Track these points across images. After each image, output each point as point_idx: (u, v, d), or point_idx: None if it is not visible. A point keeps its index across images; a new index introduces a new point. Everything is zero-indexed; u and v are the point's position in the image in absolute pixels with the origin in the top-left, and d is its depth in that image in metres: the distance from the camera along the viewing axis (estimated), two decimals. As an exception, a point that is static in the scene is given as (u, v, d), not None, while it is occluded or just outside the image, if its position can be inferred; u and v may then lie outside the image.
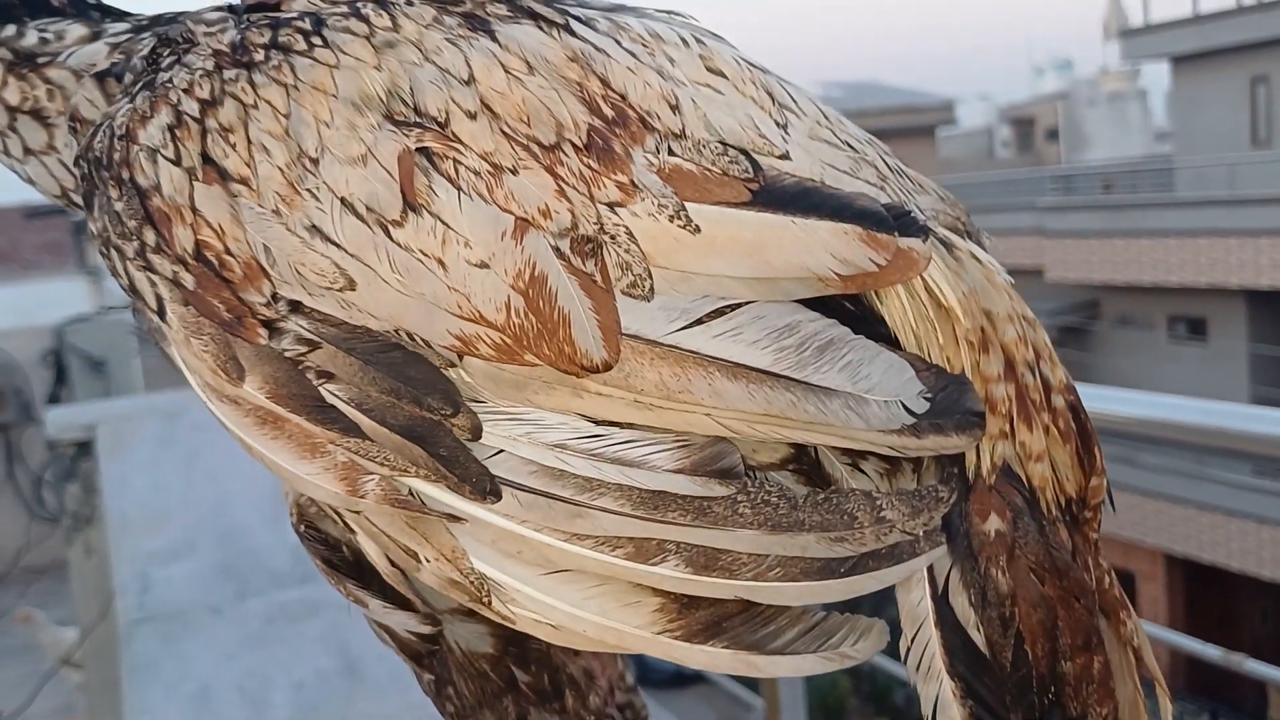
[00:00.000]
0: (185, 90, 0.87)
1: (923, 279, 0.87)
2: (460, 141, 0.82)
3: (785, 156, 0.87)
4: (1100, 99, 28.67)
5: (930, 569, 0.87)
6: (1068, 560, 0.89)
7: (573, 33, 0.88)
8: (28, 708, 3.79)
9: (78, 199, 1.08)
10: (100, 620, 3.62)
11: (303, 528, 0.98)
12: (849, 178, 0.89)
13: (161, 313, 0.85)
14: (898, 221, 0.85)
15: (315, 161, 0.82)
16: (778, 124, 0.89)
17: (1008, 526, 0.88)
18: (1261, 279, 17.09)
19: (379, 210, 0.81)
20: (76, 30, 1.08)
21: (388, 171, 0.81)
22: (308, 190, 0.82)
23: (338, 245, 0.81)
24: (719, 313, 0.82)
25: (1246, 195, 17.51)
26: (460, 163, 0.81)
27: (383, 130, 0.82)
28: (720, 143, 0.86)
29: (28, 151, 1.09)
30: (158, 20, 1.07)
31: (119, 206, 0.86)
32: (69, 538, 4.38)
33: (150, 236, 0.84)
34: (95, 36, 1.07)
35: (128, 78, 0.96)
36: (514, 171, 0.82)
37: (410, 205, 0.81)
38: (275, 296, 0.82)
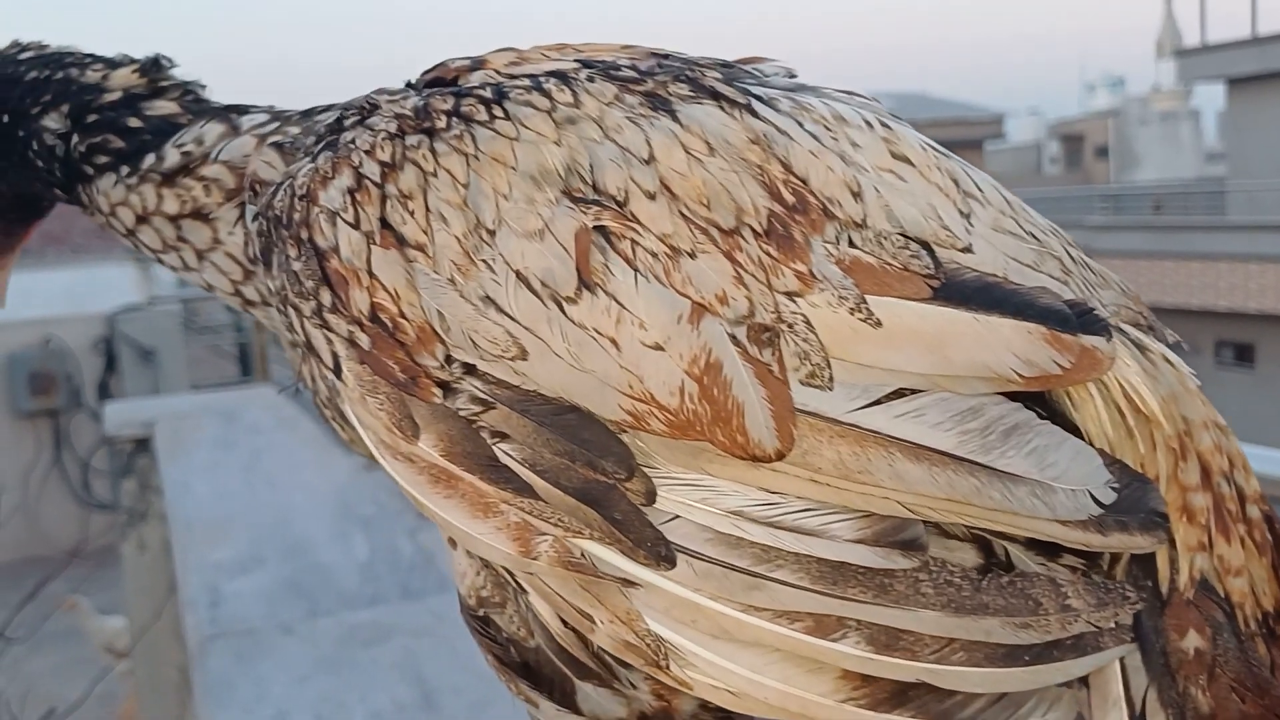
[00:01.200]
0: (367, 152, 0.88)
1: (1119, 382, 0.85)
2: (638, 222, 0.82)
3: (968, 249, 0.85)
4: (1152, 118, 28.42)
5: (1127, 689, 0.84)
6: (1268, 677, 0.86)
7: (755, 114, 0.87)
8: (80, 705, 3.82)
9: (248, 292, 1.10)
10: (155, 619, 3.65)
11: (477, 615, 0.97)
12: (1033, 271, 0.86)
13: (338, 370, 0.86)
14: (1081, 320, 0.82)
15: (492, 233, 0.83)
16: (961, 213, 0.87)
17: (1207, 644, 0.85)
18: (1312, 306, 16.85)
19: (554, 286, 0.81)
20: (214, 129, 1.10)
21: (564, 248, 0.81)
22: (483, 261, 0.82)
23: (511, 317, 0.81)
24: (900, 393, 0.81)
25: (1300, 221, 17.27)
26: (638, 243, 0.81)
27: (560, 206, 0.82)
28: (902, 235, 0.84)
29: (200, 256, 1.10)
30: (309, 112, 1.08)
31: (297, 266, 0.87)
32: (123, 532, 4.42)
33: (327, 297, 0.86)
34: (235, 130, 1.09)
35: (309, 140, 0.97)
36: (692, 255, 0.81)
37: (585, 283, 0.81)
38: (449, 359, 0.83)
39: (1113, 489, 0.81)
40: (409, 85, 0.98)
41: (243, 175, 1.06)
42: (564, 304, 0.80)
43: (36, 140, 1.16)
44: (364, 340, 0.84)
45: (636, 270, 0.80)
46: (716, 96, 0.88)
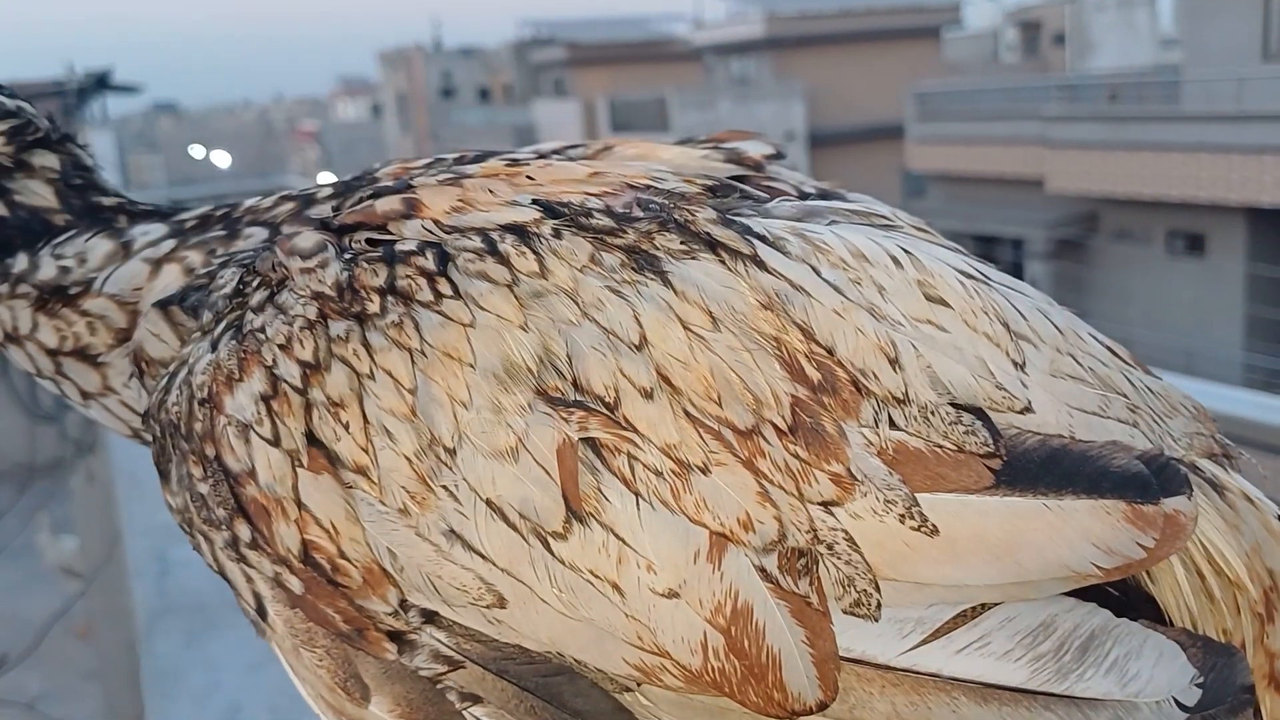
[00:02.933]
0: (281, 347, 0.72)
1: (1201, 543, 0.74)
2: (634, 430, 0.67)
3: (1027, 409, 0.71)
4: (1109, 4, 28.12)
5: None
6: None
7: (763, 266, 0.71)
8: (35, 650, 3.77)
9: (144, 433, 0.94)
10: (107, 562, 3.58)
11: None
12: (1099, 419, 0.73)
13: (262, 613, 0.73)
14: (1161, 479, 0.70)
15: (452, 452, 0.67)
16: (1015, 364, 0.73)
17: None
18: (1264, 196, 16.96)
19: (535, 519, 0.67)
20: (100, 247, 0.93)
21: (544, 469, 0.66)
22: (443, 488, 0.68)
23: (483, 557, 0.67)
24: (960, 617, 0.68)
25: (1253, 111, 17.28)
26: (636, 458, 0.66)
27: (535, 413, 0.67)
28: (952, 405, 0.69)
29: (86, 395, 0.95)
30: (207, 221, 0.92)
31: (203, 489, 0.73)
32: (71, 464, 4.32)
33: (244, 531, 0.71)
34: (126, 250, 0.92)
35: (205, 314, 0.79)
36: (704, 470, 0.66)
37: (575, 513, 0.66)
38: (404, 604, 0.69)
39: (1197, 686, 0.70)
40: (322, 223, 0.79)
41: (134, 313, 0.90)
42: (550, 540, 0.66)
43: None
44: (294, 584, 0.70)
45: (638, 495, 0.66)
46: (714, 247, 0.72)
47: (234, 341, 0.74)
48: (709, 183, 0.80)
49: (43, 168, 0.96)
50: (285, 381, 0.71)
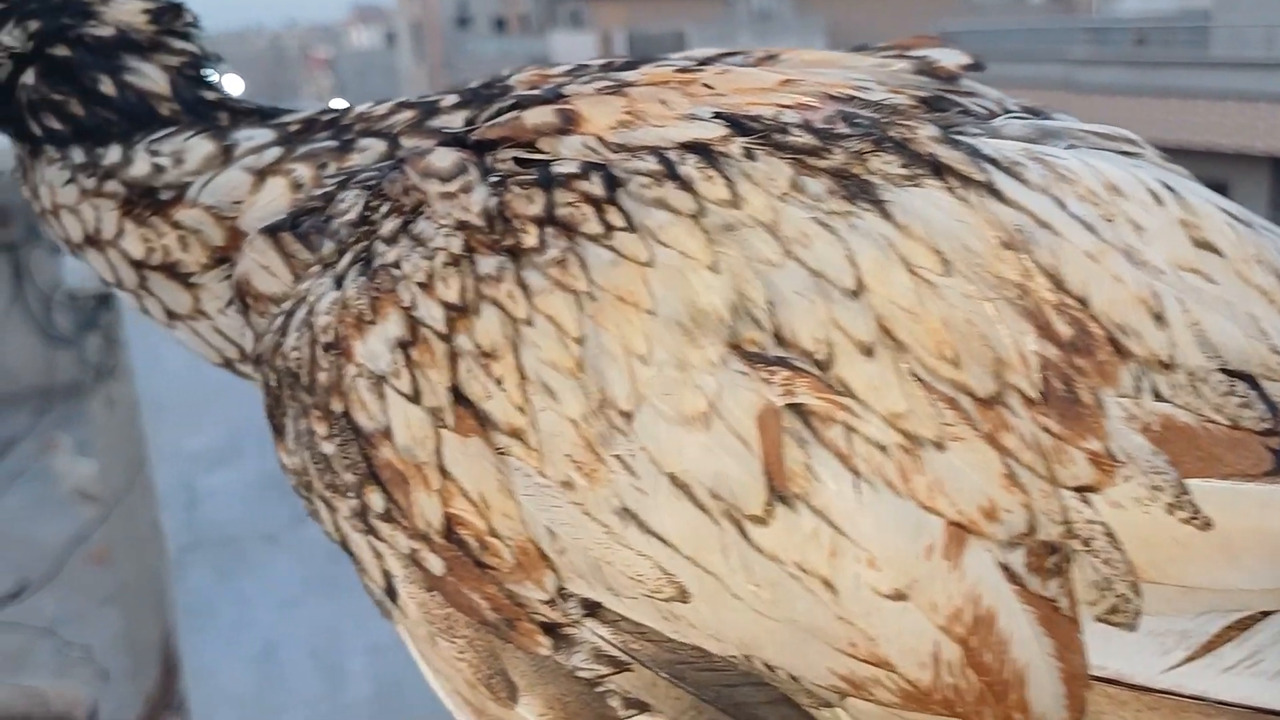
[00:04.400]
0: (422, 285, 0.61)
1: None
2: (852, 394, 0.56)
3: None
4: (1138, -56, 27.63)
5: None
6: None
7: (999, 195, 0.59)
8: (55, 576, 3.75)
9: (251, 370, 0.82)
10: (128, 490, 3.54)
11: None
12: None
13: (392, 594, 0.64)
14: None
15: (627, 416, 0.57)
16: None
17: None
18: (1289, 146, 16.75)
19: (730, 499, 0.56)
20: (200, 148, 0.83)
21: (741, 440, 0.56)
22: (615, 458, 0.57)
23: (663, 541, 0.57)
24: (1229, 629, 0.57)
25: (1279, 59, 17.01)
26: (855, 429, 0.56)
27: (729, 371, 0.56)
28: (1224, 372, 0.58)
29: (172, 316, 0.86)
30: (312, 127, 0.82)
31: (328, 449, 0.63)
32: (91, 389, 4.28)
33: (377, 500, 0.62)
34: (227, 155, 0.82)
35: (325, 244, 0.69)
36: (939, 445, 0.55)
37: (779, 494, 0.56)
38: (563, 593, 0.60)
39: None
40: (454, 139, 0.68)
41: (233, 230, 0.80)
42: (747, 525, 0.56)
43: None
44: (434, 563, 0.61)
45: (856, 474, 0.55)
46: (940, 171, 0.60)
47: (363, 278, 0.63)
48: (921, 94, 0.67)
49: (171, 52, 0.87)
50: (426, 326, 0.61)
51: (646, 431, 0.57)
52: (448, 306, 0.60)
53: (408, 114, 0.81)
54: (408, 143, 0.78)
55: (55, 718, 4.02)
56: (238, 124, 0.85)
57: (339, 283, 0.65)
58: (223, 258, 0.81)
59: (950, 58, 0.72)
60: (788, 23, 24.67)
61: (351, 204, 0.69)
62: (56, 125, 0.85)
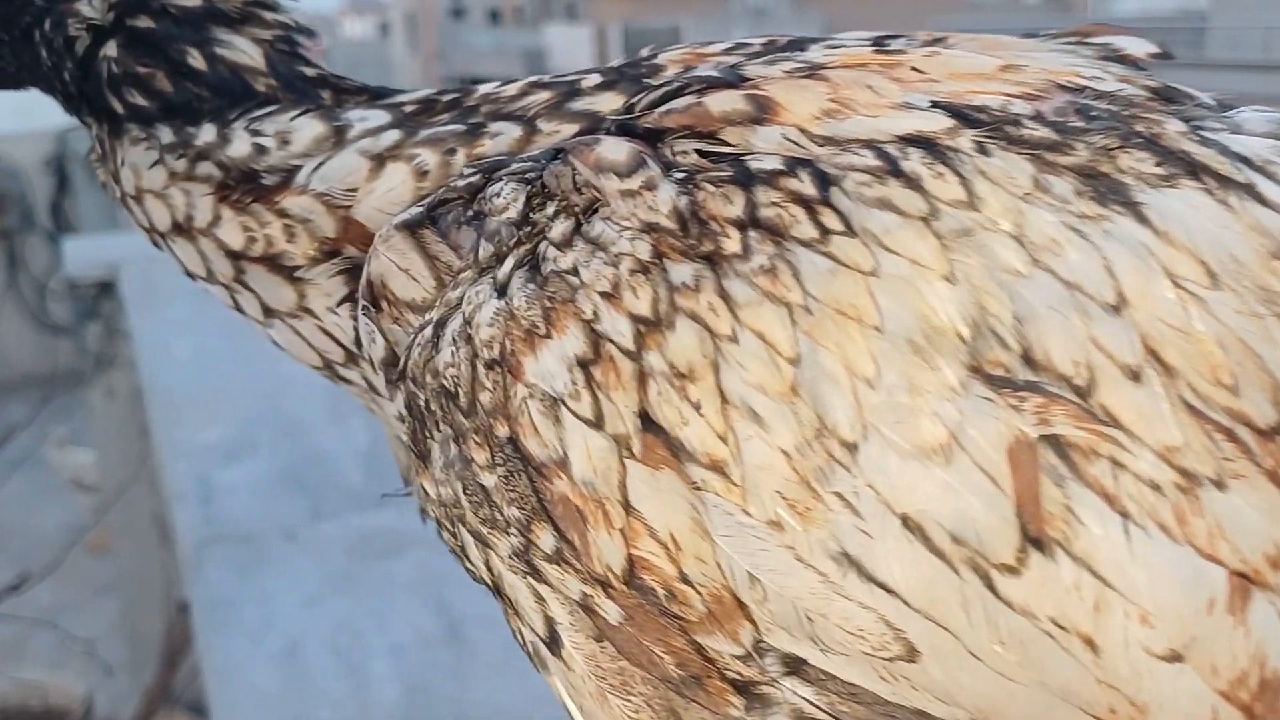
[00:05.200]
0: (605, 295, 0.55)
1: None
2: (1118, 425, 0.50)
3: None
4: (1135, -56, 27.68)
5: None
6: None
7: (1261, 199, 0.54)
8: (57, 567, 3.72)
9: (349, 374, 0.77)
10: (132, 481, 3.51)
11: None
12: None
13: (553, 644, 0.58)
14: None
15: (851, 447, 0.51)
16: None
17: None
18: (1285, 149, 16.80)
19: (974, 544, 0.50)
20: (309, 129, 0.75)
21: (989, 476, 0.50)
22: (836, 495, 0.51)
23: (891, 592, 0.50)
24: None
25: (1279, 61, 17.08)
26: (1122, 465, 0.49)
27: (972, 398, 0.50)
28: None
29: (269, 313, 0.78)
30: (432, 108, 0.74)
31: (488, 480, 0.57)
32: (90, 379, 4.23)
33: (546, 538, 0.56)
34: (339, 137, 0.74)
35: (481, 245, 0.61)
36: (1218, 483, 0.49)
37: (1034, 540, 0.49)
38: (759, 647, 0.54)
39: None
40: (620, 127, 0.61)
41: (347, 220, 0.73)
42: (994, 574, 0.50)
43: (51, 20, 0.80)
44: (610, 611, 0.55)
45: (1126, 516, 0.49)
46: (1196, 171, 0.54)
47: (532, 285, 0.57)
48: (1153, 84, 0.61)
49: (263, 24, 0.80)
50: (611, 342, 0.54)
51: (874, 465, 0.50)
52: (636, 320, 0.54)
53: (543, 95, 0.74)
54: (546, 127, 0.71)
55: (51, 710, 3.99)
56: (343, 103, 0.78)
57: (502, 291, 0.58)
58: (333, 250, 0.74)
59: (1136, 46, 0.67)
60: (783, 19, 24.65)
61: (510, 200, 0.62)
62: (141, 101, 0.78)
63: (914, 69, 0.60)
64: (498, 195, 0.63)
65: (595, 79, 0.74)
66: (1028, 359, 0.50)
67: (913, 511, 0.50)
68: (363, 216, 0.72)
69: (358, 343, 0.74)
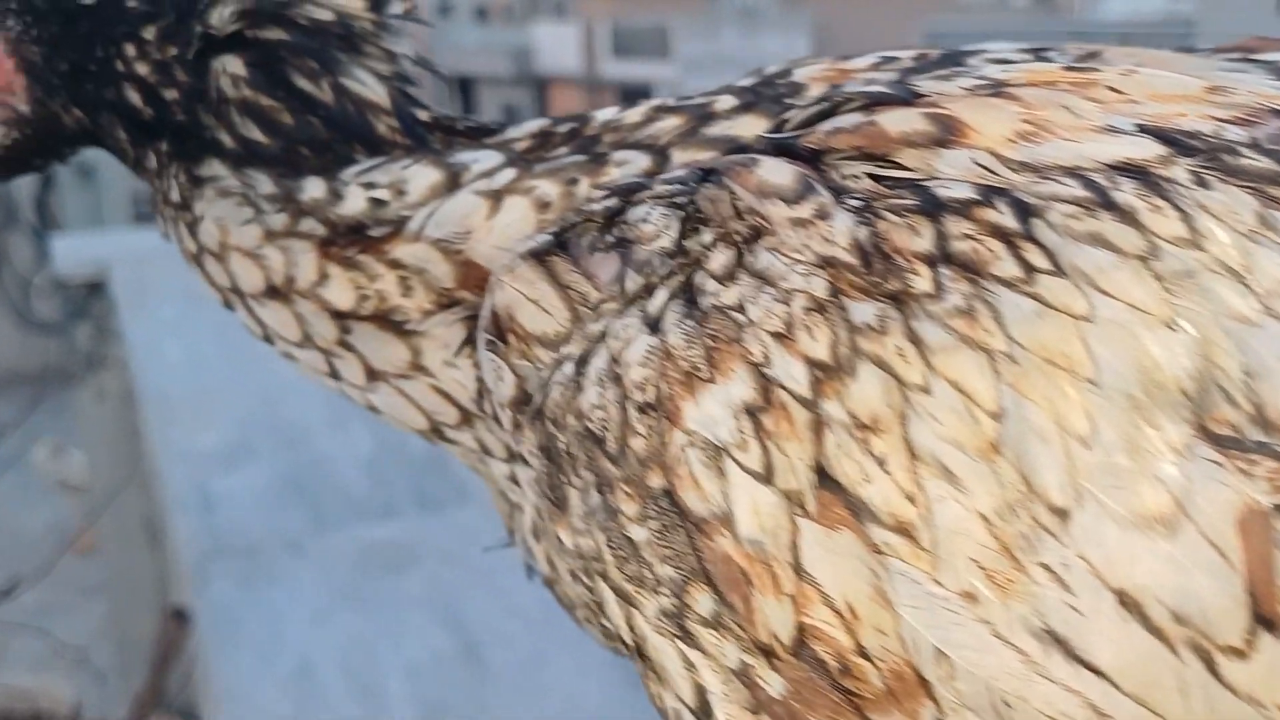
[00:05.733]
0: (777, 336, 0.50)
1: None
2: None
3: None
4: (1122, -53, 27.80)
5: None
6: None
7: None
8: (47, 573, 3.65)
9: (460, 436, 0.70)
10: (125, 484, 3.44)
11: None
12: None
13: (704, 713, 0.53)
14: None
15: (1062, 514, 0.46)
16: None
17: None
18: (1273, 154, 16.95)
19: (1198, 623, 0.45)
20: (423, 177, 0.68)
21: (1216, 549, 0.45)
22: (1042, 566, 0.46)
23: (1099, 674, 0.46)
24: None
25: (1267, 65, 17.22)
26: None
27: (1198, 460, 0.45)
28: None
29: (374, 376, 0.71)
30: (547, 141, 0.69)
31: (638, 534, 0.52)
32: (80, 379, 4.17)
33: (704, 600, 0.51)
34: (454, 180, 0.68)
35: (628, 275, 0.56)
36: None
37: (1264, 619, 0.45)
38: None
39: None
40: (778, 146, 0.56)
41: (465, 264, 0.67)
42: (1218, 658, 0.45)
43: (136, 47, 0.71)
44: (773, 683, 0.50)
45: None
46: None
47: (690, 322, 0.52)
48: None
49: (382, 55, 0.72)
50: (783, 387, 0.49)
51: (1088, 534, 0.45)
52: (812, 364, 0.49)
53: (672, 121, 0.68)
54: (681, 156, 0.66)
55: (39, 716, 3.92)
56: (453, 146, 0.72)
57: (655, 326, 0.53)
58: (446, 301, 0.68)
59: None
60: (773, 19, 24.62)
61: (661, 227, 0.56)
62: (259, 136, 0.70)
63: (1110, 88, 0.55)
64: (645, 221, 0.57)
65: (729, 101, 0.68)
66: (1259, 418, 0.45)
67: (1130, 587, 0.45)
68: (481, 257, 0.66)
69: (479, 396, 0.68)
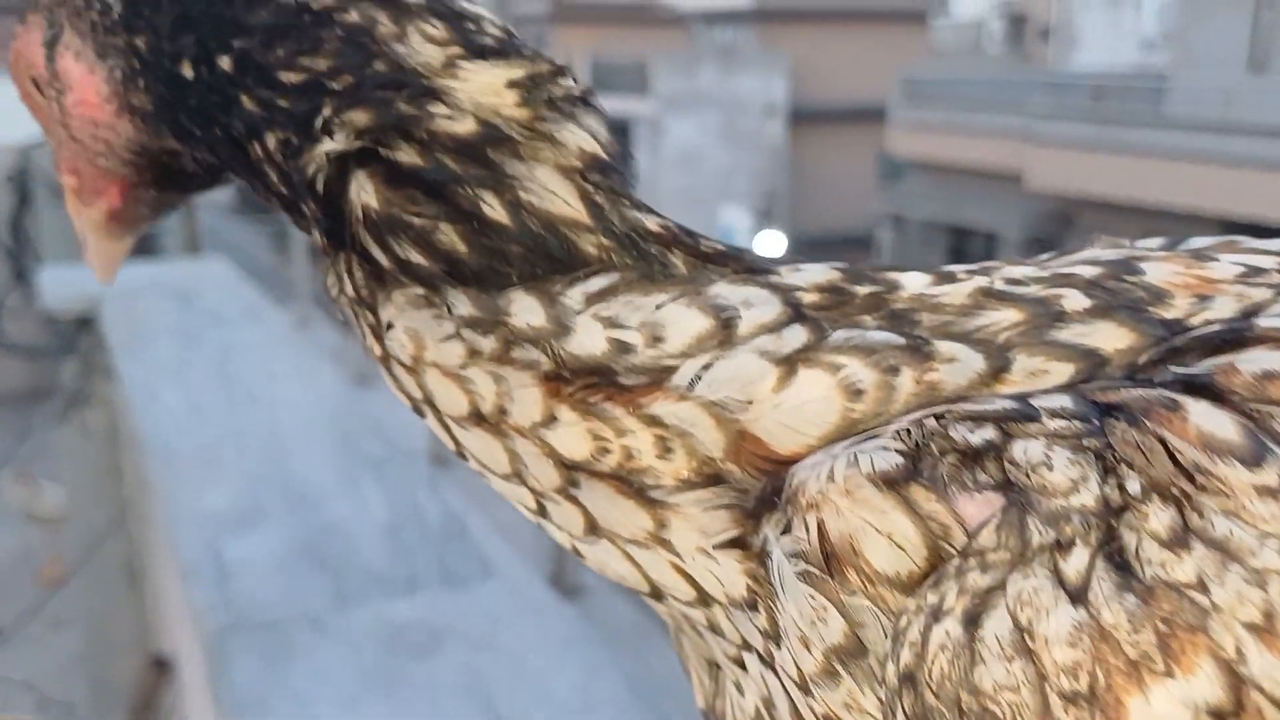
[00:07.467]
0: (1253, 628, 0.43)
1: None
2: None
3: None
4: (1095, 2, 28.19)
5: None
6: None
7: None
8: (25, 627, 3.56)
9: (696, 615, 0.60)
10: (113, 529, 3.36)
11: None
12: None
13: None
14: None
15: None
16: None
17: None
18: (1240, 209, 17.13)
19: None
20: (688, 323, 0.58)
21: None
22: None
23: None
24: None
25: (1237, 122, 17.44)
26: None
27: None
28: None
29: (596, 530, 0.60)
30: (843, 301, 0.58)
31: None
32: (64, 415, 4.08)
33: None
34: (726, 330, 0.58)
35: (1036, 529, 0.48)
36: None
37: None
38: None
39: None
40: (1192, 385, 0.49)
41: (741, 434, 0.57)
42: None
43: (279, 141, 0.63)
44: None
45: None
46: None
47: (1130, 595, 0.45)
48: None
49: (565, 149, 0.61)
50: (1262, 691, 0.43)
51: None
52: None
53: (1009, 314, 0.57)
54: (1027, 363, 0.55)
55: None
56: (704, 274, 0.60)
57: (1076, 595, 0.45)
58: (711, 475, 0.57)
59: None
60: (750, 59, 24.77)
61: (1073, 478, 0.48)
62: (420, 260, 0.60)
63: None
64: (1047, 467, 0.48)
65: (1079, 301, 0.57)
66: None
67: None
68: (763, 431, 0.56)
69: (748, 603, 0.58)
